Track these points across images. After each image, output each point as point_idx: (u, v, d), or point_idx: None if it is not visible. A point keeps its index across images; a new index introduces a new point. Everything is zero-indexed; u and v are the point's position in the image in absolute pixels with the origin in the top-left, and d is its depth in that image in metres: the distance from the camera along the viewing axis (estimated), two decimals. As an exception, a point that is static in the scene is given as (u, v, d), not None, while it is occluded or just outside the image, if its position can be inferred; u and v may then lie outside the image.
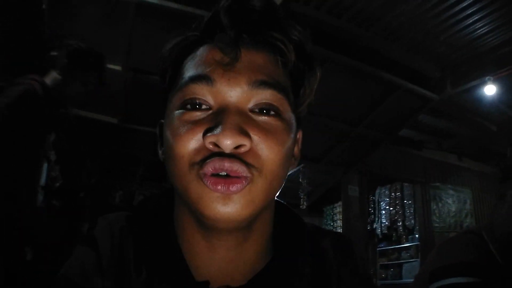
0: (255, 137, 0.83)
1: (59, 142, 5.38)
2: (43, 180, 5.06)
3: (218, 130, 0.79)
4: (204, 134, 0.81)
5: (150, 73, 5.26)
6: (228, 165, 0.79)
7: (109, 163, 7.21)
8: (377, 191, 10.60)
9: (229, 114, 0.82)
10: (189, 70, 0.88)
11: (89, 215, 6.41)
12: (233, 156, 0.80)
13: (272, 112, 0.87)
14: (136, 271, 0.92)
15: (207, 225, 0.86)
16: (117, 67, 5.31)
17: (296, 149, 1.01)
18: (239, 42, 0.88)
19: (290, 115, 0.91)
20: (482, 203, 10.15)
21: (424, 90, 6.32)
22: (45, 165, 5.09)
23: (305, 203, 9.69)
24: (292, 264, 0.97)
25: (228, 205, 0.80)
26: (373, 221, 10.58)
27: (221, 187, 0.79)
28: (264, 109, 0.86)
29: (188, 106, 0.85)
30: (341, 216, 9.65)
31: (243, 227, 0.87)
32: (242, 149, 0.81)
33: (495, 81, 5.97)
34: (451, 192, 9.90)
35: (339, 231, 9.17)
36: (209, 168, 0.80)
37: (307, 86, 0.98)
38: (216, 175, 0.80)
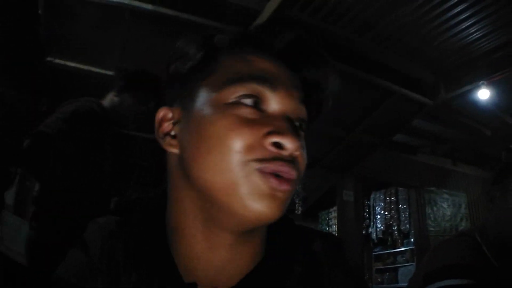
0: None
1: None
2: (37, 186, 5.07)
3: (284, 133, 0.84)
4: (267, 134, 0.84)
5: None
6: (287, 169, 0.83)
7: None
8: (372, 195, 10.62)
9: (289, 121, 0.88)
10: (245, 69, 0.91)
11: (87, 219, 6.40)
12: (291, 161, 0.85)
13: (303, 127, 0.95)
14: (126, 273, 0.93)
15: (232, 222, 0.88)
16: (111, 73, 5.24)
17: None
18: (297, 65, 0.98)
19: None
20: (477, 207, 10.16)
21: (418, 95, 6.35)
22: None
23: (300, 208, 9.71)
24: (283, 263, 0.98)
25: (273, 203, 0.83)
26: (368, 226, 10.60)
27: (277, 181, 0.82)
28: (301, 123, 0.94)
29: (244, 101, 0.88)
30: (336, 221, 9.67)
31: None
32: (297, 154, 0.86)
33: (488, 85, 5.99)
34: (446, 196, 9.93)
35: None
36: (270, 168, 0.82)
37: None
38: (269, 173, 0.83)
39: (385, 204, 10.29)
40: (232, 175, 0.83)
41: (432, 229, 9.43)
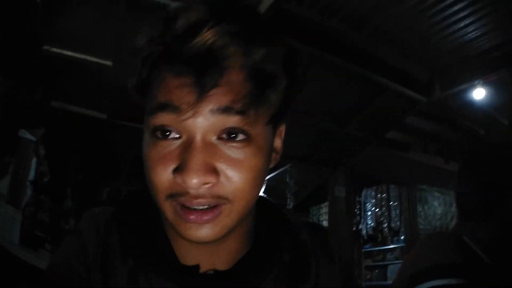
0: (222, 168, 0.84)
1: (48, 137, 5.38)
2: (31, 174, 5.07)
3: (185, 170, 0.81)
4: (174, 172, 0.84)
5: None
6: (196, 202, 0.83)
7: (96, 159, 7.20)
8: (363, 192, 10.65)
9: (194, 150, 0.82)
10: (158, 94, 0.86)
11: (75, 211, 6.41)
12: (201, 193, 0.83)
13: (240, 136, 0.85)
14: (123, 260, 0.95)
15: None
16: (108, 62, 5.33)
17: (278, 143, 1.02)
18: (205, 83, 0.82)
19: (262, 130, 0.89)
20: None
21: (412, 92, 6.34)
22: (34, 160, 5.10)
23: (291, 202, 9.73)
24: (272, 252, 1.01)
25: (202, 231, 0.85)
26: (358, 222, 10.63)
27: (194, 217, 0.84)
28: (231, 133, 0.85)
29: (159, 134, 0.86)
30: (327, 216, 9.70)
31: None
32: (209, 185, 0.83)
33: (484, 85, 6.00)
34: (437, 194, 9.98)
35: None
36: (179, 202, 0.84)
37: (283, 96, 0.92)
38: (188, 207, 0.84)
39: (376, 201, 10.33)
40: (160, 206, 0.88)
41: (422, 227, 9.49)
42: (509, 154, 1.96)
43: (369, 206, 10.46)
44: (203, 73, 0.81)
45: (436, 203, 9.92)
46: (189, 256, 0.96)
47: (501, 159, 1.94)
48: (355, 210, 10.57)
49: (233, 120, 0.83)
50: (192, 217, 0.83)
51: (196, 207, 0.84)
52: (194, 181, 0.81)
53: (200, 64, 0.81)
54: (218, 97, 0.82)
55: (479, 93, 6.10)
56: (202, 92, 0.81)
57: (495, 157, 1.97)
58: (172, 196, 0.85)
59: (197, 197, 0.83)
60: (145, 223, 1.01)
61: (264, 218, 1.07)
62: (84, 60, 5.22)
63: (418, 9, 4.93)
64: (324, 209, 10.64)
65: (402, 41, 5.63)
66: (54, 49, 5.01)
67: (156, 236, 0.99)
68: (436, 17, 5.04)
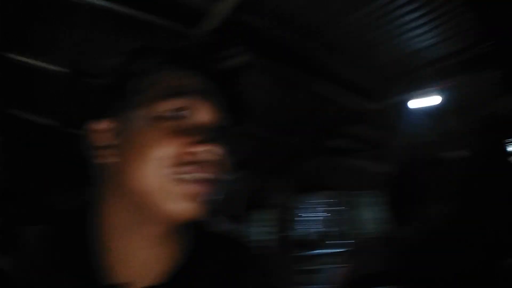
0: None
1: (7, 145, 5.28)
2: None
3: (202, 141, 0.97)
4: (187, 143, 0.97)
5: (96, 77, 5.20)
6: (202, 173, 0.97)
7: (46, 167, 7.06)
8: (304, 198, 10.77)
9: (206, 130, 1.00)
10: (173, 85, 1.02)
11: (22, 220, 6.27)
12: (213, 163, 0.98)
13: (224, 132, 1.07)
14: (46, 278, 0.98)
15: (162, 220, 1.00)
16: (65, 70, 5.27)
17: None
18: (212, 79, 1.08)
19: None
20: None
21: (361, 100, 6.53)
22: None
23: (230, 209, 9.74)
24: (197, 267, 1.09)
25: (194, 203, 0.97)
26: (298, 228, 10.74)
27: (200, 185, 0.97)
28: (221, 127, 1.07)
29: (168, 115, 0.99)
30: (268, 223, 9.76)
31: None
32: (214, 158, 0.98)
33: (437, 92, 6.19)
34: (378, 200, 10.16)
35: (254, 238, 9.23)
36: (183, 170, 0.95)
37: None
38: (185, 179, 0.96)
39: (317, 207, 10.48)
40: (154, 182, 0.96)
41: (363, 231, 9.68)
42: (434, 170, 2.11)
43: (310, 212, 10.60)
44: (211, 73, 1.08)
45: (377, 209, 10.13)
46: (130, 267, 1.01)
47: (425, 174, 2.10)
48: (296, 217, 10.68)
49: (222, 117, 1.09)
50: (198, 186, 0.96)
51: (205, 177, 0.97)
52: (218, 150, 0.98)
53: (207, 67, 1.08)
54: (216, 97, 1.07)
55: (431, 101, 6.30)
56: (212, 83, 1.07)
57: (422, 171, 2.12)
58: (180, 165, 0.96)
59: (210, 166, 0.98)
60: (74, 239, 1.05)
61: (194, 234, 1.15)
62: (41, 67, 5.16)
63: (368, 20, 5.02)
64: (264, 215, 10.73)
65: (351, 50, 5.71)
66: (14, 56, 4.95)
67: (86, 253, 1.02)
68: (386, 27, 5.15)
